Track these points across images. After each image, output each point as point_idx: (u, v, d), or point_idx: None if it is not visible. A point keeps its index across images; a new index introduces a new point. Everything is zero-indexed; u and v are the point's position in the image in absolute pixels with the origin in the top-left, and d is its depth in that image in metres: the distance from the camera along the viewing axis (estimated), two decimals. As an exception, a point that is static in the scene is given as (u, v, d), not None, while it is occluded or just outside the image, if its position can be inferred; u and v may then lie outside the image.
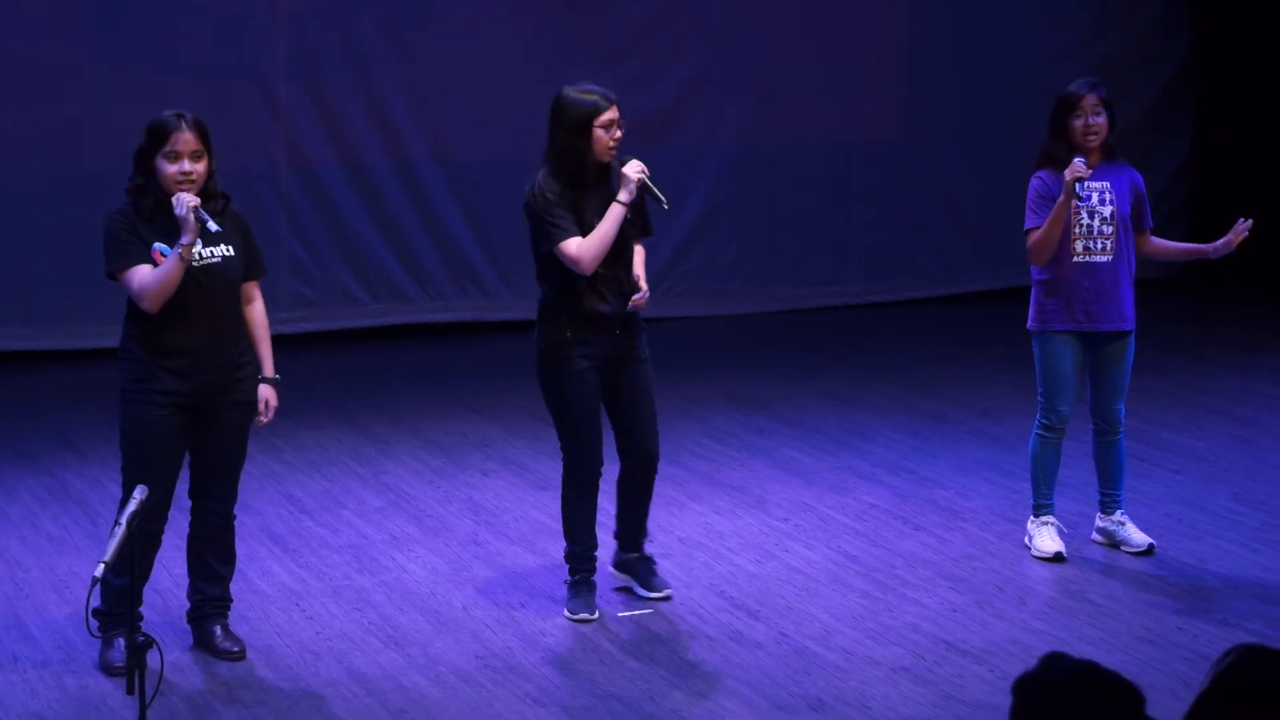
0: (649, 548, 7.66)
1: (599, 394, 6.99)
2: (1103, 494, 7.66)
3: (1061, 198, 7.24)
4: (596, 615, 6.99)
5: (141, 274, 6.33)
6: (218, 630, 6.67)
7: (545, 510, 8.20)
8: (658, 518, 8.07)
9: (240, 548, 6.95)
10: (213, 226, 6.33)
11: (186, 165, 6.35)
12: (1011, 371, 10.10)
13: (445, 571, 7.52)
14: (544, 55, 11.71)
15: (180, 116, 6.39)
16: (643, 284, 6.96)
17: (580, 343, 6.91)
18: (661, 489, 8.40)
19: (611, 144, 6.86)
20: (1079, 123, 7.32)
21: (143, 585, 6.59)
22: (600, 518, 7.17)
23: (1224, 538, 7.77)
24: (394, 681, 6.45)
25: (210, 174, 6.42)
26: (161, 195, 6.37)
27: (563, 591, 7.12)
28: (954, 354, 11.20)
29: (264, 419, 6.64)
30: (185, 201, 6.29)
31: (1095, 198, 7.36)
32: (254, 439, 8.82)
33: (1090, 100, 7.32)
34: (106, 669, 6.50)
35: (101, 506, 8.23)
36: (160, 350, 6.39)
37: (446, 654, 6.68)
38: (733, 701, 6.26)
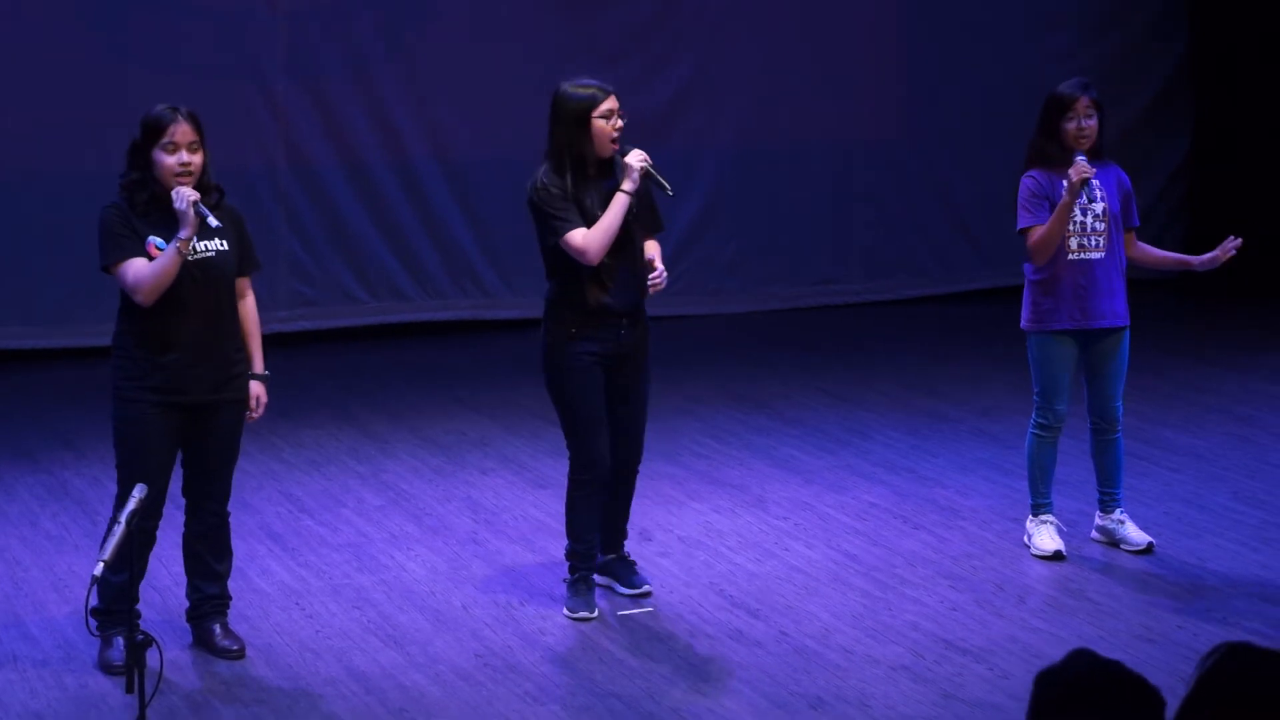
0: (650, 546, 7.67)
1: (602, 391, 6.98)
2: (1102, 492, 7.66)
3: (1067, 196, 7.24)
4: (596, 614, 6.98)
5: (136, 267, 6.32)
6: (217, 629, 6.67)
7: (544, 509, 8.20)
8: (658, 516, 8.08)
9: (239, 546, 6.95)
10: (213, 222, 6.32)
11: (184, 156, 6.35)
12: (1011, 370, 10.09)
13: (444, 570, 7.52)
14: (543, 55, 11.70)
15: (175, 109, 6.40)
16: (658, 264, 6.93)
17: (585, 338, 6.91)
18: (661, 488, 8.42)
19: (613, 134, 6.85)
20: (1072, 125, 7.32)
21: (139, 584, 6.58)
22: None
23: (1223, 536, 7.77)
24: (393, 680, 6.45)
25: (205, 167, 6.43)
26: (158, 189, 6.37)
27: (562, 590, 7.12)
28: (953, 353, 11.20)
29: (255, 415, 6.64)
30: (185, 195, 6.29)
31: (1087, 195, 7.37)
32: (253, 438, 8.84)
33: (1084, 102, 7.33)
34: (106, 668, 6.50)
35: (101, 505, 8.22)
36: (155, 345, 6.38)
37: (446, 652, 6.68)
38: (732, 700, 6.26)
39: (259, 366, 6.64)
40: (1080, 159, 7.23)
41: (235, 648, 6.64)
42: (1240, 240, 7.37)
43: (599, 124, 6.86)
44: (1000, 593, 7.18)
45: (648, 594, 7.18)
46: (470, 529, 8.03)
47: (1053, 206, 7.29)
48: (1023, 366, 7.64)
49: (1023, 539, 7.67)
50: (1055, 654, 6.39)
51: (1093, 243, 7.37)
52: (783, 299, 12.48)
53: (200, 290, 6.40)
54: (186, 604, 6.76)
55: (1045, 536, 7.55)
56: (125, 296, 6.43)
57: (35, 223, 11.03)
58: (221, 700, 6.32)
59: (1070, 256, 7.36)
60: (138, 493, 5.39)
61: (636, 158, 6.84)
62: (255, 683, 6.46)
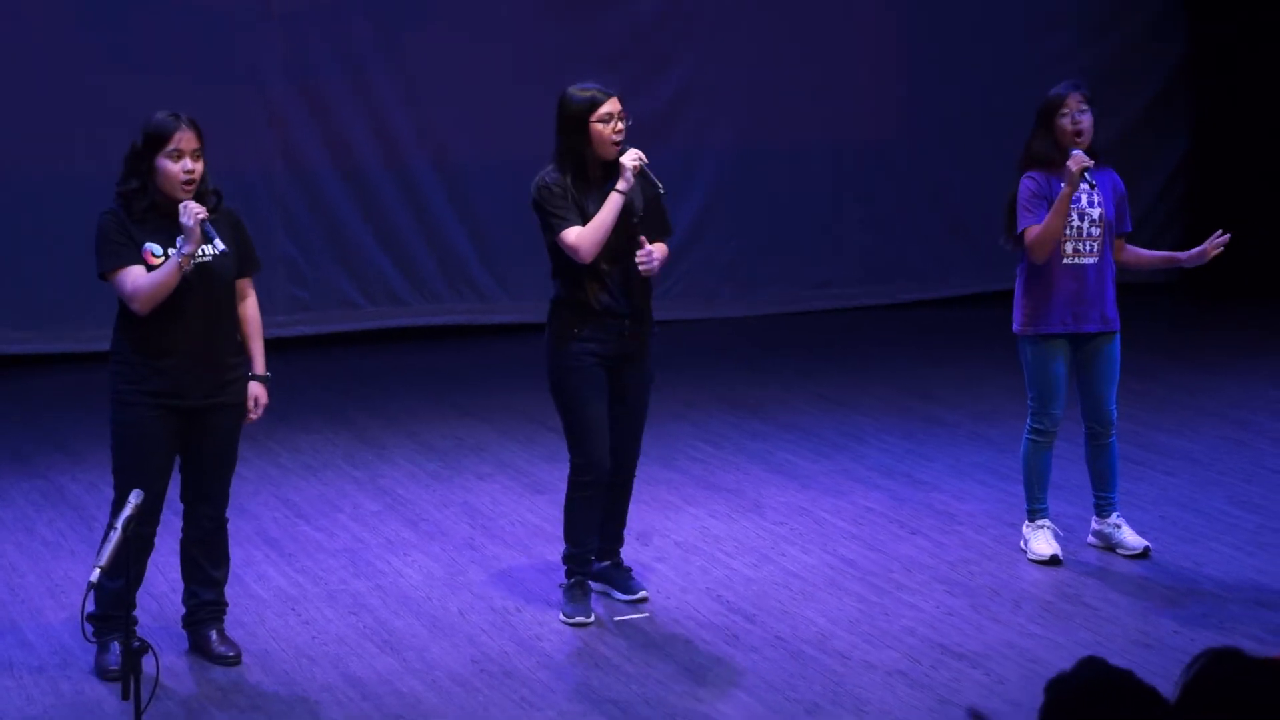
0: (647, 551, 7.67)
1: (605, 393, 6.98)
2: (1097, 497, 7.66)
3: (1066, 188, 7.24)
4: (593, 619, 6.98)
5: (134, 275, 6.32)
6: (213, 635, 6.67)
7: (541, 514, 8.20)
8: (654, 521, 8.08)
9: (235, 552, 6.95)
10: (219, 245, 6.32)
11: (189, 164, 6.36)
12: (1007, 374, 10.08)
13: (441, 576, 7.52)
14: (540, 58, 11.71)
15: (176, 116, 6.39)
16: (649, 245, 6.90)
17: (587, 339, 6.91)
18: (657, 493, 8.41)
19: (613, 137, 6.85)
20: (1067, 121, 7.34)
21: (136, 589, 6.58)
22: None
23: (1219, 541, 7.77)
24: (390, 686, 6.45)
25: (204, 173, 6.44)
26: (158, 196, 6.37)
27: (559, 595, 7.12)
28: (950, 357, 11.20)
29: (254, 416, 6.64)
30: (193, 212, 6.28)
31: (1085, 199, 7.38)
32: (249, 443, 8.84)
33: (1075, 98, 7.35)
34: (102, 673, 6.50)
35: (97, 510, 8.22)
36: (152, 350, 6.38)
37: (442, 658, 6.68)
38: (729, 705, 6.25)
39: (260, 368, 6.64)
40: (1078, 152, 7.24)
41: (231, 654, 6.64)
42: (1228, 235, 7.38)
43: (597, 128, 6.86)
44: (997, 598, 7.18)
45: (644, 599, 7.18)
46: (467, 534, 8.02)
47: (1051, 206, 7.30)
48: (1019, 371, 7.64)
49: (1019, 544, 7.67)
50: (1052, 659, 6.44)
51: (1087, 248, 7.38)
52: (779, 302, 12.48)
53: (198, 295, 6.40)
54: (183, 610, 6.75)
55: (1041, 541, 7.55)
56: (123, 303, 6.42)
57: (30, 227, 11.02)
58: (217, 706, 6.31)
59: (1065, 261, 7.37)
60: (134, 498, 5.39)
61: (630, 157, 6.83)
62: (251, 689, 6.45)
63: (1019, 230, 7.40)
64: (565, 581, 7.09)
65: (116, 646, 6.34)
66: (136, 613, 6.59)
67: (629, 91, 7.04)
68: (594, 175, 6.89)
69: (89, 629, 6.42)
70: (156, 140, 6.34)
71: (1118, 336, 7.50)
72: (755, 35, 12.26)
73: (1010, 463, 8.59)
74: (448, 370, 11.09)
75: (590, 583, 7.14)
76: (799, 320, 12.33)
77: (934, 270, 12.78)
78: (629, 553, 7.40)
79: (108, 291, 6.58)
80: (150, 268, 6.34)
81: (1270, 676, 3.20)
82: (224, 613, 6.75)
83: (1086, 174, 7.20)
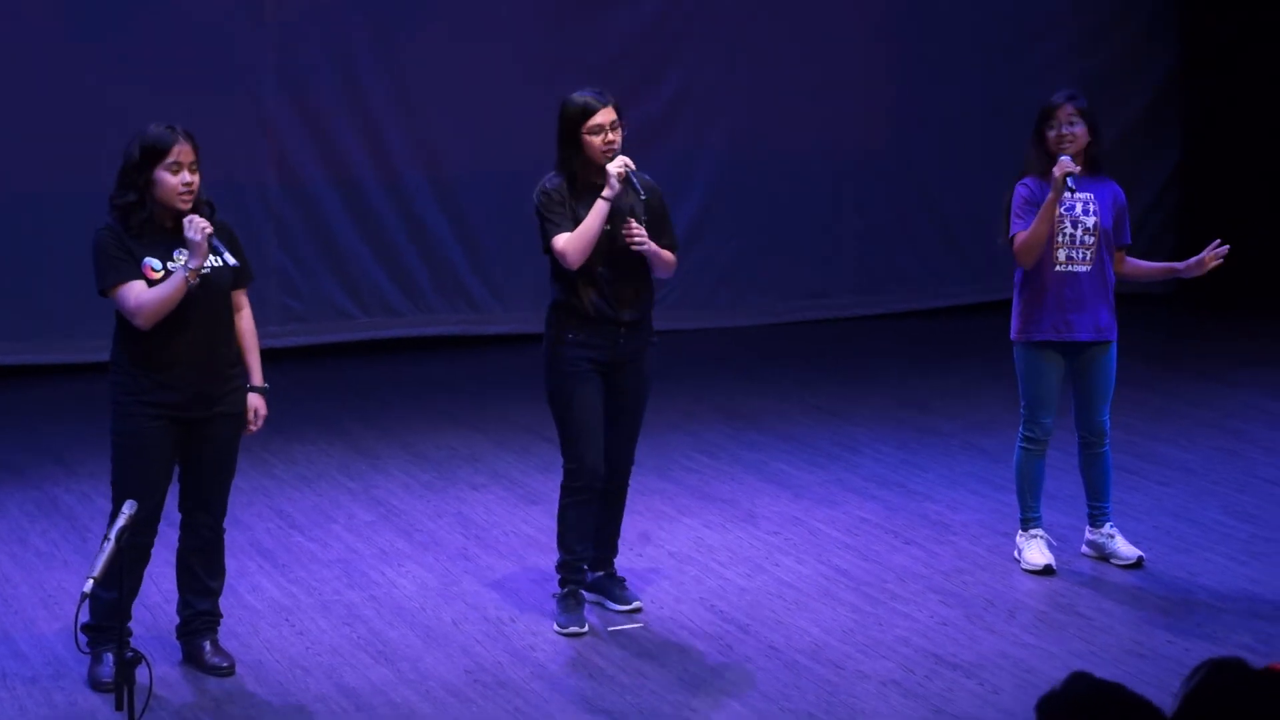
0: (641, 561, 7.67)
1: (599, 399, 6.98)
2: (1091, 507, 7.67)
3: (1051, 194, 7.26)
4: (586, 629, 6.98)
5: (136, 291, 6.32)
6: (207, 645, 6.66)
7: (535, 524, 8.19)
8: (649, 531, 8.08)
9: (230, 563, 6.94)
10: (228, 259, 6.34)
11: (187, 176, 6.37)
12: (1000, 384, 10.09)
13: (435, 586, 7.51)
14: (533, 68, 11.72)
15: (173, 129, 6.40)
16: (636, 226, 6.88)
17: (583, 344, 6.91)
18: (651, 503, 8.41)
19: (603, 148, 6.85)
20: (1053, 133, 7.36)
21: (132, 600, 6.57)
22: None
23: (1213, 550, 7.77)
24: (383, 696, 6.44)
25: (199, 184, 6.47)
26: (156, 209, 6.37)
27: (553, 605, 7.11)
28: (943, 367, 11.21)
29: (253, 427, 6.65)
30: (200, 227, 6.30)
31: (1079, 208, 7.38)
32: (243, 454, 8.83)
33: (1066, 110, 7.35)
34: (95, 684, 6.49)
35: (91, 521, 8.21)
36: (153, 361, 6.39)
37: (436, 669, 6.67)
38: (723, 715, 6.25)
39: (258, 379, 6.64)
40: (1065, 159, 7.25)
41: (225, 665, 6.63)
42: (1227, 246, 7.39)
43: (587, 138, 6.86)
44: (991, 608, 7.18)
45: (638, 610, 7.17)
46: (461, 545, 8.02)
47: None
48: (1012, 381, 7.65)
49: (1013, 554, 7.67)
50: (1046, 669, 6.44)
51: (1080, 255, 7.39)
52: (772, 313, 12.48)
53: (198, 307, 6.41)
54: (177, 621, 6.75)
55: (1035, 551, 7.56)
56: (123, 316, 6.42)
57: (23, 239, 11.01)
58: (211, 717, 6.31)
59: (1057, 268, 7.38)
60: (128, 509, 5.39)
61: (615, 165, 6.83)
62: (245, 699, 6.45)
63: (1009, 235, 7.41)
64: (558, 591, 7.09)
65: (110, 657, 6.33)
66: (130, 624, 6.58)
67: (624, 98, 7.03)
68: (589, 182, 6.89)
69: (83, 639, 6.42)
70: (155, 153, 6.35)
71: (1113, 347, 7.50)
72: (751, 43, 12.27)
73: (1004, 473, 8.58)
74: (441, 380, 11.09)
75: (584, 593, 7.14)
76: (793, 330, 12.34)
77: (928, 280, 12.78)
78: (623, 562, 7.40)
79: (101, 302, 6.58)
80: (151, 282, 6.35)
81: (1271, 686, 3.20)
82: (218, 623, 6.74)
83: (1069, 181, 7.21)
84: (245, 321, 6.63)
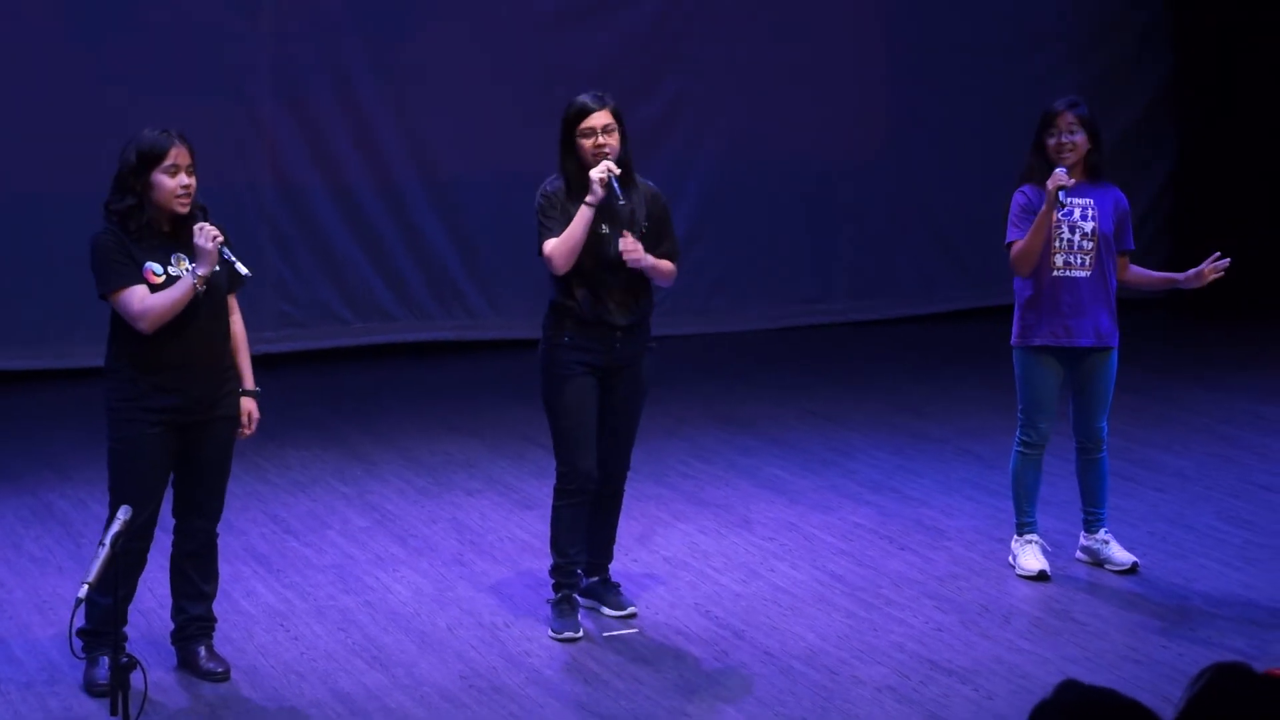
0: (636, 567, 7.67)
1: (594, 402, 6.98)
2: (1086, 512, 7.67)
3: (1044, 207, 7.26)
4: (581, 633, 6.98)
5: (140, 295, 6.33)
6: (202, 651, 6.66)
7: (530, 530, 8.19)
8: (644, 537, 8.08)
9: (224, 568, 6.94)
10: (242, 269, 6.36)
11: (185, 179, 6.38)
12: (994, 390, 10.10)
13: (430, 591, 7.51)
14: (529, 73, 11.73)
15: (168, 132, 6.42)
16: (634, 240, 6.88)
17: (578, 348, 6.92)
18: (646, 508, 8.41)
19: (592, 150, 6.84)
20: (1053, 140, 7.36)
21: (127, 605, 6.57)
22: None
23: (1208, 556, 7.78)
24: (378, 702, 6.44)
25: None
26: (154, 212, 6.38)
27: (548, 611, 7.11)
28: (937, 373, 11.21)
29: (247, 431, 6.65)
30: (211, 234, 6.31)
31: (1077, 213, 7.38)
32: (238, 459, 8.80)
33: (1067, 118, 7.36)
34: (91, 685, 6.48)
35: (85, 527, 8.21)
36: (152, 365, 6.39)
37: (431, 674, 6.67)
38: (718, 721, 6.26)
39: (249, 383, 6.65)
40: (1060, 171, 7.26)
41: (220, 670, 6.63)
42: (1227, 260, 7.38)
43: (580, 141, 6.87)
44: (985, 613, 7.18)
45: (633, 615, 7.17)
46: (456, 550, 8.02)
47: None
48: (1008, 386, 7.66)
49: (1008, 559, 7.68)
50: (1041, 675, 6.45)
51: (1078, 261, 7.39)
52: (767, 318, 12.49)
53: (197, 310, 6.41)
54: (171, 626, 6.75)
55: (1030, 557, 7.56)
56: (120, 319, 6.42)
57: (18, 244, 11.00)
58: (206, 722, 6.31)
59: (1055, 273, 7.38)
60: (123, 514, 5.39)
61: (598, 170, 6.82)
62: (240, 705, 6.44)
63: (1005, 242, 7.42)
64: (552, 597, 7.09)
65: (105, 661, 6.33)
66: (125, 628, 6.59)
67: (619, 103, 7.02)
68: (582, 185, 6.88)
69: (78, 644, 6.42)
70: (153, 156, 6.36)
71: (1114, 354, 7.49)
72: (747, 49, 12.27)
73: (998, 478, 8.59)
74: (436, 386, 11.09)
75: (579, 599, 7.14)
76: (789, 336, 12.34)
77: (923, 286, 12.79)
78: (618, 567, 7.40)
79: (95, 308, 6.58)
80: (152, 287, 6.35)
81: (1275, 692, 3.21)
82: (213, 629, 6.74)
83: (1062, 194, 7.22)
84: (236, 325, 6.64)
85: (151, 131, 6.43)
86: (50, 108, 10.95)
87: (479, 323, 11.96)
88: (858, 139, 12.62)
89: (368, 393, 10.89)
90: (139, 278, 6.35)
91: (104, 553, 5.27)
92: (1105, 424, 7.56)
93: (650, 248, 6.96)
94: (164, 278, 6.37)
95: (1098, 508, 7.64)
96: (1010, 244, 7.39)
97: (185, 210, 6.39)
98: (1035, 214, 7.33)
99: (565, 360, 6.92)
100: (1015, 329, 7.50)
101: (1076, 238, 7.38)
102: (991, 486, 8.67)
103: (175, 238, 6.42)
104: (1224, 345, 11.73)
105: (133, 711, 5.14)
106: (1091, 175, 7.42)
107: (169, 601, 6.77)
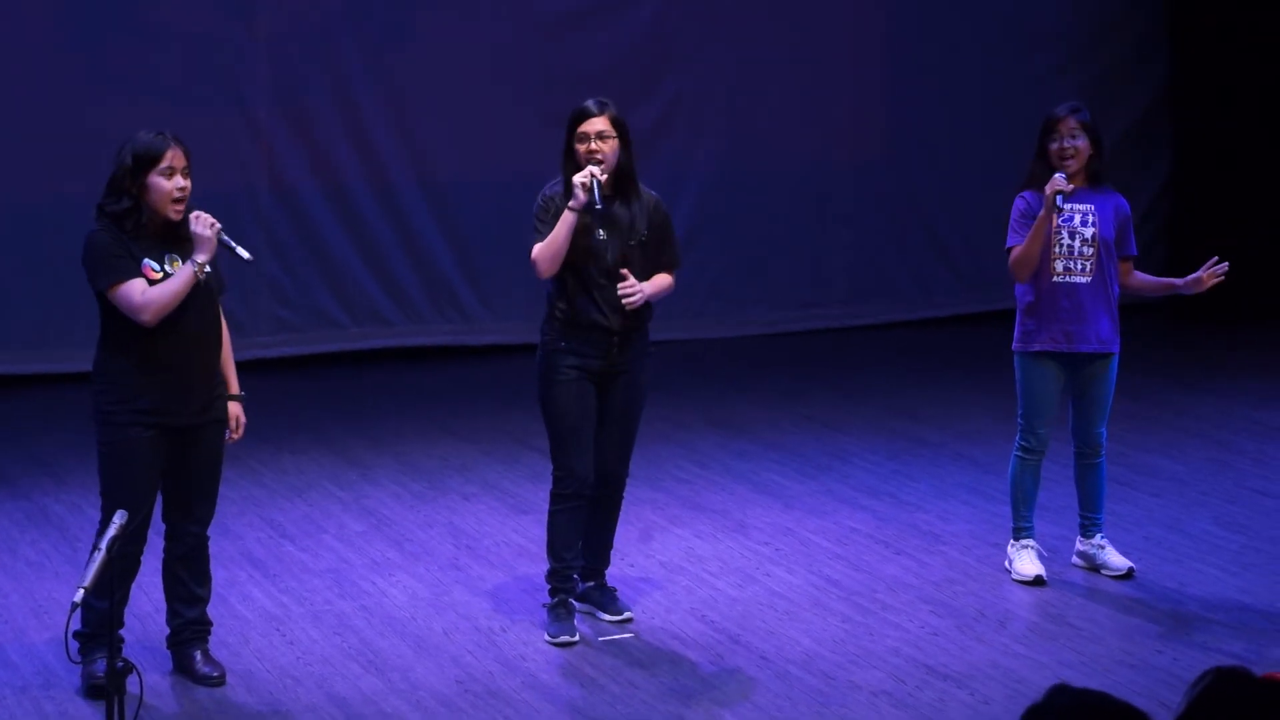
0: (632, 572, 7.67)
1: (591, 406, 6.98)
2: (1083, 517, 7.67)
3: (1042, 212, 7.26)
4: (577, 638, 6.98)
5: (140, 287, 6.33)
6: (197, 655, 6.66)
7: (526, 534, 8.19)
8: (639, 542, 8.08)
9: (220, 572, 6.94)
10: (244, 253, 6.36)
11: (180, 181, 6.39)
12: (990, 395, 10.12)
13: (426, 596, 7.51)
14: (523, 78, 11.73)
15: (163, 135, 6.42)
16: (632, 280, 6.89)
17: (574, 352, 6.92)
18: (642, 513, 8.41)
19: (585, 156, 6.84)
20: (1055, 145, 7.36)
21: (122, 609, 6.57)
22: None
23: (1204, 561, 7.78)
24: (374, 706, 6.44)
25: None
26: (151, 214, 6.38)
27: (544, 615, 7.11)
28: (933, 377, 11.22)
29: (236, 436, 6.65)
30: (208, 222, 6.32)
31: (1077, 219, 7.38)
32: (234, 463, 8.82)
33: (1069, 123, 7.36)
34: (90, 681, 6.45)
35: (80, 531, 8.20)
36: (146, 367, 6.38)
37: (427, 679, 6.67)
38: (714, 726, 6.26)
39: (235, 387, 6.65)
40: (1058, 176, 7.26)
41: (216, 674, 6.63)
42: (1226, 265, 7.38)
43: (575, 145, 6.88)
44: (981, 618, 7.18)
45: (629, 620, 7.17)
46: (452, 555, 8.02)
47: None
48: (1004, 391, 7.67)
49: (1004, 564, 7.68)
50: (1037, 679, 6.45)
51: (1079, 266, 7.39)
52: (763, 323, 12.49)
53: (192, 312, 6.41)
54: (167, 630, 6.74)
55: (1026, 561, 7.56)
56: (112, 319, 6.42)
57: (15, 248, 11.00)
58: (202, 727, 6.31)
59: (1055, 279, 7.38)
60: (119, 519, 5.38)
61: (580, 175, 6.82)
62: (236, 709, 6.44)
63: (1006, 247, 7.42)
64: (549, 601, 7.08)
65: (102, 663, 6.32)
66: (121, 633, 6.58)
67: (621, 114, 7.01)
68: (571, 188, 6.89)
69: (74, 647, 6.41)
70: (150, 159, 6.36)
71: (1114, 360, 7.49)
72: (742, 55, 12.28)
73: (995, 483, 8.60)
74: (432, 390, 11.09)
75: (575, 603, 7.14)
76: (785, 341, 12.34)
77: (919, 291, 12.80)
78: (614, 573, 7.40)
79: (93, 312, 6.56)
80: (151, 283, 6.35)
81: (1275, 696, 3.21)
82: (208, 633, 6.74)
83: (1060, 200, 7.22)
84: (223, 330, 6.65)
85: (148, 134, 6.43)
86: (47, 113, 10.94)
87: (475, 327, 11.96)
88: (855, 143, 12.63)
89: (364, 397, 10.89)
90: (138, 272, 6.35)
91: (100, 556, 5.27)
92: (1104, 430, 7.56)
93: (650, 257, 6.97)
94: (161, 275, 6.37)
95: (1095, 513, 7.64)
96: (1008, 250, 7.39)
97: (179, 216, 6.39)
98: (1034, 219, 7.33)
99: (562, 364, 6.93)
100: (1016, 334, 7.50)
101: (1077, 244, 7.38)
102: (988, 491, 8.67)
103: (168, 240, 6.42)
104: (1220, 350, 11.74)
105: (128, 716, 5.13)
106: (1093, 181, 7.42)
107: (164, 606, 6.76)
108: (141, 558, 6.56)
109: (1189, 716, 3.22)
